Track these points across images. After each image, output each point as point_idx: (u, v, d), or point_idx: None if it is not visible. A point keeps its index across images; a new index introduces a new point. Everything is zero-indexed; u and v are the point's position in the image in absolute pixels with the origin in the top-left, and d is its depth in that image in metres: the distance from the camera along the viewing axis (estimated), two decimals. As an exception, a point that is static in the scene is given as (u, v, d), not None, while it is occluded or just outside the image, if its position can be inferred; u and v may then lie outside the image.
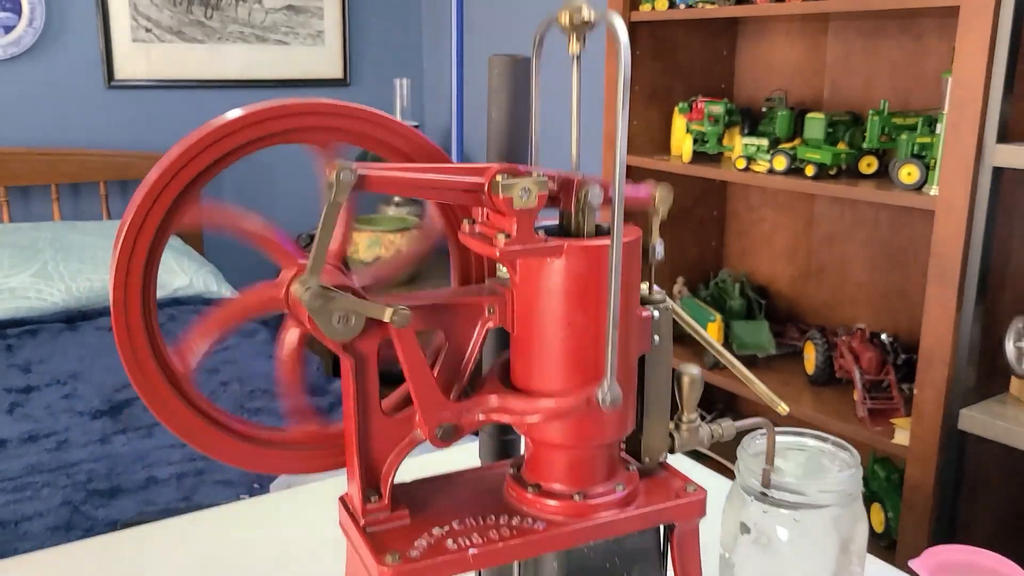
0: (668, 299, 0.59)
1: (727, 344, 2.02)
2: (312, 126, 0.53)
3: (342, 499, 0.57)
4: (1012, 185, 1.31)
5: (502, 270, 0.58)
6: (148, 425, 1.71)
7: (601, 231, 0.54)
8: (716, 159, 2.03)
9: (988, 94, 1.24)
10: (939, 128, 1.45)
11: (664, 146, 2.17)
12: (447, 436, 0.55)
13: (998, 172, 1.26)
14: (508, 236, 0.51)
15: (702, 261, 2.30)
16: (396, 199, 3.12)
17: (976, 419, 1.31)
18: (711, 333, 2.00)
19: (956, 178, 1.29)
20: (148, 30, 2.92)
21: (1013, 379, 1.37)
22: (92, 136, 2.88)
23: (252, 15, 3.04)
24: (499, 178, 0.50)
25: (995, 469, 1.41)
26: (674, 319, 0.59)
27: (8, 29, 2.70)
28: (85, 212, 2.91)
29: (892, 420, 1.59)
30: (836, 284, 2.08)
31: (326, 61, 3.19)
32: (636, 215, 0.56)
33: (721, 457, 1.84)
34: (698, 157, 2.03)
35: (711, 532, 0.62)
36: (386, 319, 0.50)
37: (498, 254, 0.52)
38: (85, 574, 0.85)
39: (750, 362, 1.93)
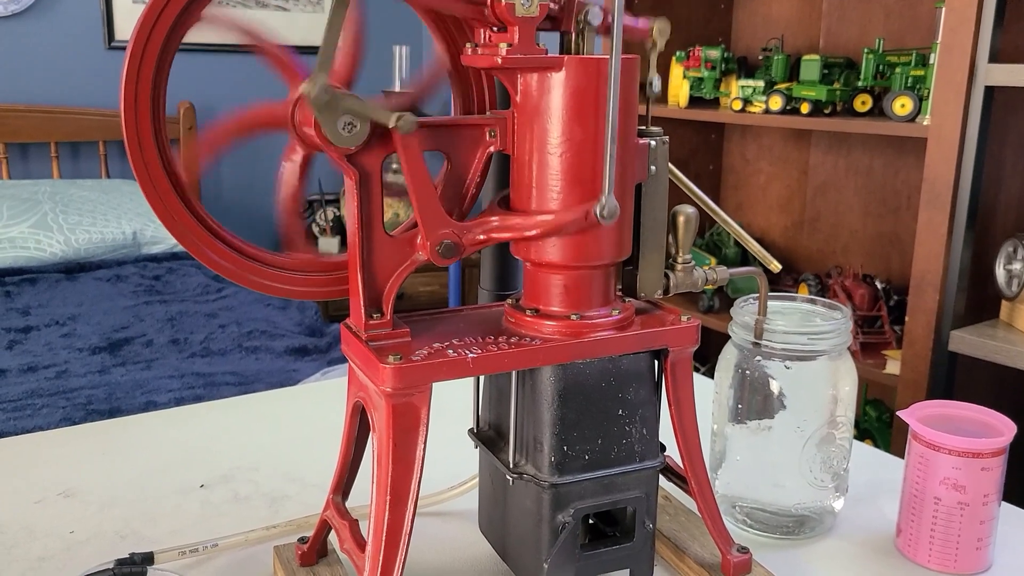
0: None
1: (722, 290, 2.03)
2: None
3: (344, 324, 0.59)
4: (1004, 109, 1.33)
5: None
6: (148, 360, 1.72)
7: None
8: (713, 105, 2.05)
9: (980, 17, 1.26)
10: (932, 59, 1.47)
11: (661, 97, 2.19)
12: (448, 253, 0.56)
13: (990, 93, 1.28)
14: (510, 45, 0.53)
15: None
16: (394, 166, 3.13)
17: (966, 340, 1.32)
18: (706, 279, 2.02)
19: (949, 101, 1.31)
20: (148, -9, 2.93)
21: (1003, 304, 1.39)
22: (92, 96, 2.88)
23: (251, -22, 3.04)
24: (502, -14, 0.52)
25: (985, 393, 1.42)
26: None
27: (8, -14, 2.70)
28: (84, 171, 2.91)
29: (884, 352, 1.61)
30: (830, 233, 2.09)
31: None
32: (634, 48, 0.57)
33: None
34: (695, 103, 2.04)
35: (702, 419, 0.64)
36: (391, 124, 0.52)
37: (499, 61, 0.53)
38: (90, 453, 0.86)
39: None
